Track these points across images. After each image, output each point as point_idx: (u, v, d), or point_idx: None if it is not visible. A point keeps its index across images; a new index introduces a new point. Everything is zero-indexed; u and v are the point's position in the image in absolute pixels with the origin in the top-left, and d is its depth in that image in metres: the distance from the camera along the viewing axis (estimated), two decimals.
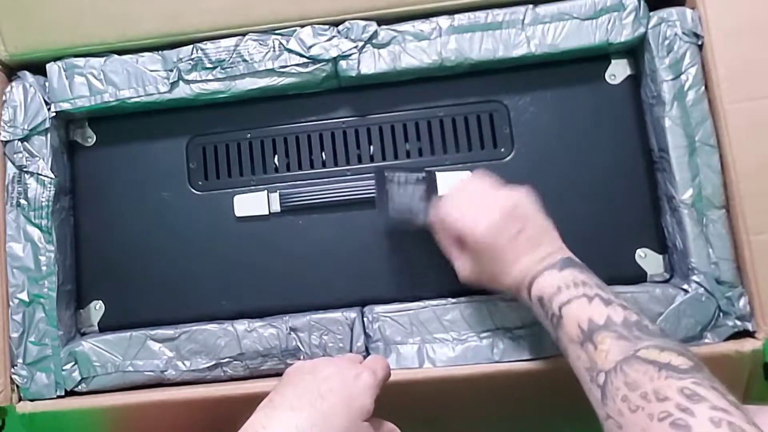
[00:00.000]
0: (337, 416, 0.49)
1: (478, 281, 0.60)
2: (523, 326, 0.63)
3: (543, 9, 0.65)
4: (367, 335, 0.65)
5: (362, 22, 0.66)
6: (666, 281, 0.65)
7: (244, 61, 0.67)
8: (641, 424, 0.42)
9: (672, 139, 0.63)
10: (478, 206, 0.58)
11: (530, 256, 0.56)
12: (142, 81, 0.68)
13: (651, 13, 0.65)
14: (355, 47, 0.65)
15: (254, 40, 0.67)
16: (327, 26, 0.66)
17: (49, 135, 0.68)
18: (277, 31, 0.67)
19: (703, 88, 0.63)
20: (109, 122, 0.71)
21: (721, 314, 0.61)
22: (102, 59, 0.68)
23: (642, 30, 0.64)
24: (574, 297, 0.52)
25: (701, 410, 0.40)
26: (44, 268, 0.67)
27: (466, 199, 0.59)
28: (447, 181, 0.66)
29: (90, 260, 0.71)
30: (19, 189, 0.67)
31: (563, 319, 0.51)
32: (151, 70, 0.68)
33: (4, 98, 0.68)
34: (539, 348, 0.61)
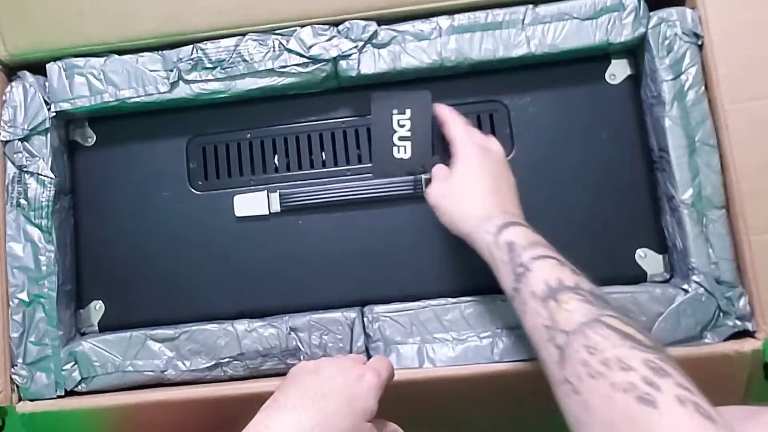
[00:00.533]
0: (339, 417, 0.49)
1: (443, 199, 0.60)
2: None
3: (543, 9, 0.65)
4: (367, 335, 0.65)
5: (362, 22, 0.66)
6: (666, 281, 0.65)
7: (244, 61, 0.67)
8: (602, 392, 0.41)
9: (672, 139, 0.63)
10: (477, 138, 0.62)
11: (505, 205, 0.57)
12: (142, 81, 0.68)
13: (651, 13, 0.65)
14: (355, 47, 0.65)
15: (254, 40, 0.67)
16: (327, 26, 0.66)
17: (49, 135, 0.68)
18: (277, 31, 0.67)
19: (703, 88, 0.63)
20: (109, 122, 0.71)
21: (721, 314, 0.61)
22: (102, 59, 0.68)
23: (642, 30, 0.64)
24: (547, 256, 0.51)
25: (667, 386, 0.39)
26: (44, 268, 0.67)
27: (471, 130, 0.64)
28: None
29: (90, 260, 0.71)
30: (19, 189, 0.67)
31: (531, 272, 0.50)
32: (151, 70, 0.68)
33: (4, 98, 0.68)
34: None
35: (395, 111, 0.67)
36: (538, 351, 0.48)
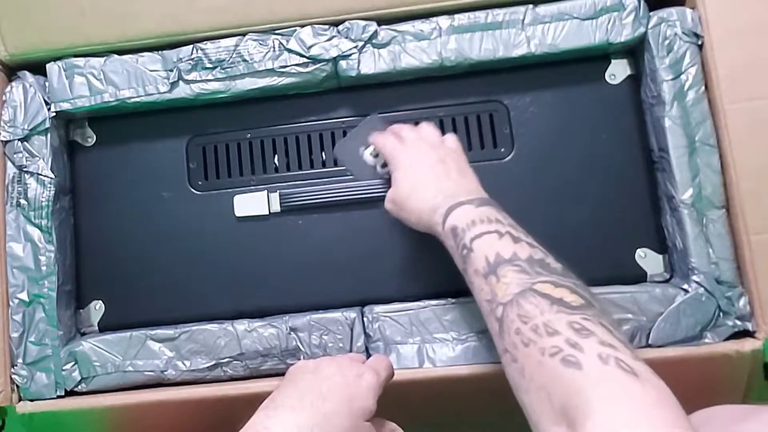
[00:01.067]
0: (338, 416, 0.49)
1: (399, 208, 0.61)
2: None
3: (543, 9, 0.65)
4: (367, 335, 0.65)
5: (362, 22, 0.66)
6: (666, 281, 0.65)
7: (244, 61, 0.67)
8: (534, 358, 0.42)
9: (672, 139, 0.63)
10: (409, 139, 0.63)
11: (447, 189, 0.57)
12: (142, 81, 0.68)
13: (651, 13, 0.65)
14: (355, 47, 0.65)
15: (254, 40, 0.67)
16: (327, 26, 0.66)
17: (49, 135, 0.68)
18: (277, 31, 0.67)
19: (703, 88, 0.63)
20: (109, 122, 0.71)
21: (721, 314, 0.61)
22: (102, 59, 0.68)
23: (642, 30, 0.64)
24: (486, 232, 0.52)
25: (590, 345, 0.40)
26: (44, 268, 0.67)
27: (404, 136, 0.64)
28: None
29: (90, 260, 0.71)
30: (19, 189, 0.67)
31: (473, 252, 0.51)
32: (151, 70, 0.68)
33: (4, 98, 0.68)
34: None
35: (361, 148, 0.68)
36: (487, 325, 0.50)
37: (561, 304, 0.44)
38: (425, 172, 0.60)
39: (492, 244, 0.51)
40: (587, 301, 0.45)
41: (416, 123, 0.69)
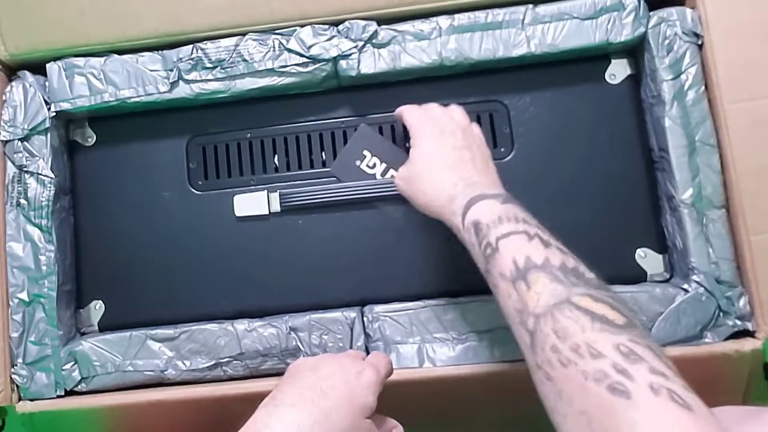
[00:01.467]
0: (339, 414, 0.49)
1: (409, 186, 0.59)
2: None
3: (543, 9, 0.65)
4: (367, 335, 0.65)
5: (362, 22, 0.66)
6: (666, 281, 0.65)
7: (244, 61, 0.67)
8: (574, 381, 0.39)
9: (672, 139, 0.63)
10: (435, 113, 0.61)
11: (470, 177, 0.55)
12: (142, 81, 0.68)
13: (651, 13, 0.65)
14: (355, 47, 0.65)
15: (254, 40, 0.67)
16: (327, 26, 0.66)
17: (49, 135, 0.68)
18: (277, 31, 0.67)
19: (703, 87, 0.63)
20: (109, 122, 0.71)
21: (721, 314, 0.61)
22: (102, 59, 0.68)
23: (642, 30, 0.64)
24: (514, 231, 0.48)
25: (640, 373, 0.37)
26: (44, 267, 0.67)
27: (432, 112, 0.62)
28: None
29: (90, 260, 0.71)
30: (19, 189, 0.67)
31: (498, 252, 0.48)
32: (151, 70, 0.68)
33: (4, 98, 0.68)
34: None
35: (357, 161, 0.68)
36: (513, 333, 0.46)
37: (604, 322, 0.40)
38: (447, 153, 0.57)
39: (521, 247, 0.47)
40: (630, 320, 0.41)
41: None
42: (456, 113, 0.62)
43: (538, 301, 0.43)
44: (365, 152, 0.68)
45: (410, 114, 0.62)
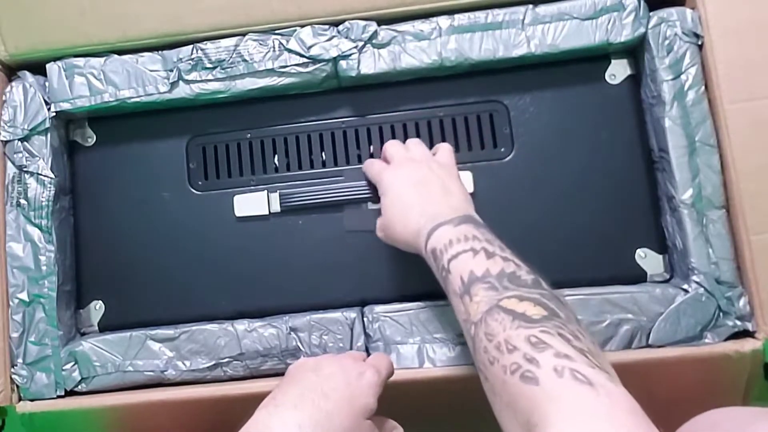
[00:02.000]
0: (339, 415, 0.49)
1: (387, 234, 0.61)
2: None
3: (543, 9, 0.65)
4: (367, 335, 0.65)
5: (362, 22, 0.66)
6: (666, 281, 0.65)
7: (244, 61, 0.67)
8: (499, 376, 0.42)
9: (672, 139, 0.63)
10: (394, 156, 0.63)
11: (431, 209, 0.57)
12: (142, 81, 0.68)
13: (651, 13, 0.65)
14: (355, 47, 0.65)
15: (254, 40, 0.67)
16: (327, 26, 0.66)
17: (49, 135, 0.68)
18: (277, 31, 0.67)
19: (703, 88, 0.63)
20: (109, 122, 0.71)
21: (721, 314, 0.61)
22: (102, 59, 0.68)
23: (642, 30, 0.64)
24: (462, 251, 0.51)
25: (545, 359, 0.40)
26: (44, 268, 0.67)
27: (386, 153, 0.65)
28: None
29: (90, 260, 0.71)
30: (19, 189, 0.67)
31: (450, 273, 0.51)
32: (151, 70, 0.68)
33: (4, 98, 0.68)
34: None
35: (363, 205, 0.69)
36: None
37: (522, 319, 0.44)
38: (408, 194, 0.59)
39: (466, 263, 0.50)
40: (551, 311, 0.45)
41: (417, 126, 0.69)
42: (413, 149, 0.64)
43: (477, 310, 0.47)
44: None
45: (370, 168, 0.65)
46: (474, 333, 0.47)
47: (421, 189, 0.59)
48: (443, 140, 0.68)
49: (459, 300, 0.50)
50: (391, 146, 0.65)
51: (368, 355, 0.64)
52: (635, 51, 0.67)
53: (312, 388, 0.51)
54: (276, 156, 0.70)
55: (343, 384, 0.51)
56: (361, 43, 0.66)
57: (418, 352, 0.63)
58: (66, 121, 0.72)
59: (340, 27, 0.66)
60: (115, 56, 0.68)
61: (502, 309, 0.45)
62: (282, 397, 0.51)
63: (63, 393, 0.66)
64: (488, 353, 0.44)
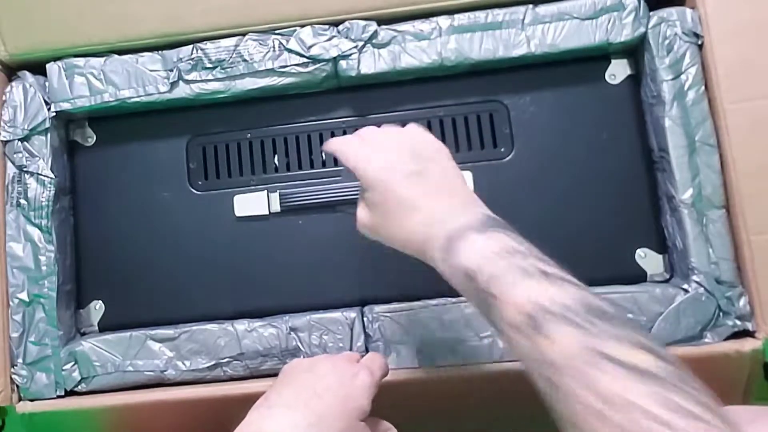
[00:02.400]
0: (333, 416, 0.49)
1: (376, 234, 0.53)
2: None
3: (543, 9, 0.65)
4: (367, 335, 0.65)
5: (362, 22, 0.66)
6: (666, 281, 0.65)
7: (244, 61, 0.67)
8: None
9: (672, 139, 0.63)
10: (376, 143, 0.53)
11: (438, 207, 0.49)
12: (142, 81, 0.68)
13: (651, 13, 0.65)
14: (355, 47, 0.65)
15: (254, 40, 0.67)
16: (327, 26, 0.66)
17: (49, 135, 0.68)
18: (277, 31, 0.67)
19: (703, 88, 0.63)
20: (109, 122, 0.71)
21: (721, 314, 0.61)
22: (102, 59, 0.68)
23: (642, 30, 0.64)
24: (508, 269, 0.42)
25: (681, 425, 0.33)
26: (44, 268, 0.67)
27: (369, 140, 0.54)
28: None
29: (90, 260, 0.71)
30: (19, 189, 0.67)
31: (497, 300, 0.42)
32: (151, 70, 0.68)
33: (4, 98, 0.68)
34: None
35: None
36: (533, 382, 0.41)
37: (650, 378, 0.35)
38: (402, 191, 0.50)
39: (523, 288, 0.41)
40: (666, 362, 0.37)
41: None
42: (393, 133, 0.55)
43: (559, 351, 0.38)
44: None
45: (345, 149, 0.54)
46: (558, 378, 0.38)
47: (417, 182, 0.50)
48: (443, 140, 0.68)
49: (518, 333, 0.40)
50: (367, 134, 0.55)
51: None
52: (635, 51, 0.67)
53: (306, 389, 0.50)
54: (276, 156, 0.70)
55: (337, 385, 0.51)
56: (361, 43, 0.66)
57: (418, 352, 0.63)
58: (66, 121, 0.72)
59: (340, 27, 0.66)
60: (115, 56, 0.68)
61: (610, 358, 0.36)
62: (276, 398, 0.51)
63: (63, 393, 0.66)
64: (605, 420, 0.35)
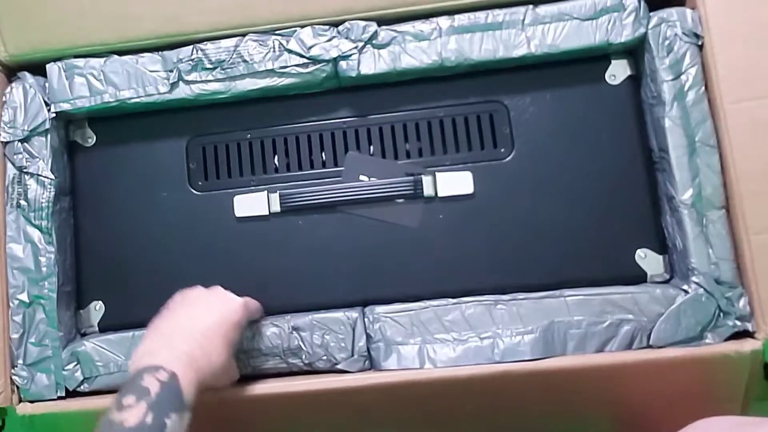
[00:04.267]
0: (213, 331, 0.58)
1: None
2: (524, 327, 0.63)
3: (543, 9, 0.65)
4: (368, 335, 0.65)
5: (362, 23, 0.66)
6: (666, 281, 0.65)
7: (244, 61, 0.67)
8: None
9: (672, 139, 0.63)
10: None
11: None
12: (142, 81, 0.67)
13: (651, 14, 0.65)
14: (355, 47, 0.65)
15: (254, 41, 0.67)
16: (327, 26, 0.66)
17: (49, 135, 0.68)
18: (277, 32, 0.67)
19: (703, 88, 0.63)
20: (109, 122, 0.71)
21: (721, 314, 0.61)
22: (102, 59, 0.68)
23: (642, 30, 0.64)
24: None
25: None
26: (44, 269, 0.67)
27: None
28: (447, 181, 0.67)
29: (90, 260, 0.71)
30: (20, 190, 0.67)
31: None
32: (151, 71, 0.68)
33: (4, 99, 0.68)
34: (539, 348, 0.61)
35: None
36: None
37: None
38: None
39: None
40: None
41: (417, 126, 0.69)
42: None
43: None
44: (361, 177, 0.68)
45: None
46: None
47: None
48: (443, 140, 0.68)
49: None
50: None
51: (369, 355, 0.65)
52: (635, 51, 0.67)
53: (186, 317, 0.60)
54: (276, 156, 0.70)
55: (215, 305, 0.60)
56: (361, 44, 0.66)
57: (419, 353, 0.63)
58: (66, 121, 0.72)
59: (340, 27, 0.66)
60: (115, 56, 0.68)
61: None
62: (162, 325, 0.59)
63: (63, 394, 0.66)
64: None
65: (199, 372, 0.54)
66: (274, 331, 0.65)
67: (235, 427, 0.49)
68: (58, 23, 0.68)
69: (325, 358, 0.65)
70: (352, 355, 0.65)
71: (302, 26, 0.66)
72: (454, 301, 0.65)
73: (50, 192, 0.67)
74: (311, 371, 0.66)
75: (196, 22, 0.67)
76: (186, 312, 0.60)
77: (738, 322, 0.61)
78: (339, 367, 0.65)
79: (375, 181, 0.68)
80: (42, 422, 0.65)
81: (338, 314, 0.65)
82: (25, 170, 0.67)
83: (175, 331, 0.57)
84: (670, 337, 0.61)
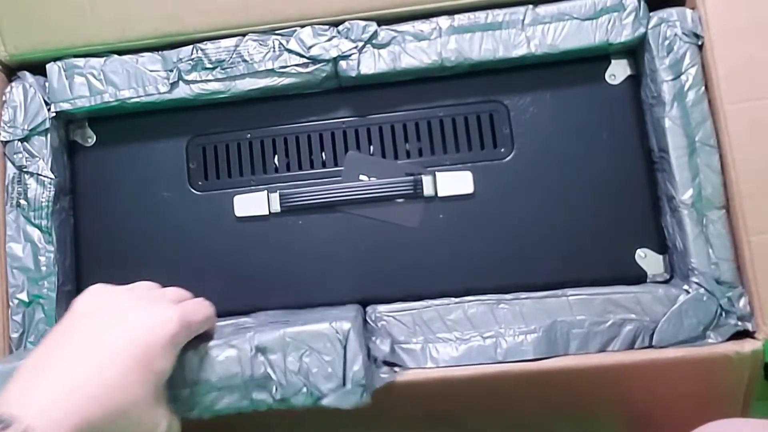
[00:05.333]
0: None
1: None
2: (526, 326, 0.62)
3: (543, 9, 0.65)
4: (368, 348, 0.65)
5: (362, 23, 0.66)
6: (666, 281, 0.65)
7: (244, 61, 0.67)
8: None
9: (672, 139, 0.63)
10: None
11: None
12: (142, 81, 0.67)
13: (651, 14, 0.65)
14: (355, 47, 0.65)
15: (254, 41, 0.67)
16: (327, 26, 0.66)
17: (49, 135, 0.68)
18: (277, 32, 0.67)
19: (703, 88, 0.63)
20: (109, 122, 0.71)
21: (723, 313, 0.61)
22: (102, 59, 0.68)
23: (642, 30, 0.64)
24: None
25: None
26: (44, 268, 0.67)
27: None
28: (447, 181, 0.67)
29: (90, 260, 0.71)
30: (19, 189, 0.67)
31: None
32: (151, 71, 0.68)
33: (4, 99, 0.68)
34: (542, 348, 0.61)
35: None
36: None
37: None
38: None
39: None
40: None
41: (417, 126, 0.69)
42: None
43: None
44: (361, 177, 0.68)
45: None
46: None
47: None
48: (443, 140, 0.68)
49: None
50: None
51: (370, 355, 0.64)
52: (635, 51, 0.67)
53: (89, 339, 0.42)
54: (276, 156, 0.70)
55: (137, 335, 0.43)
56: (361, 44, 0.66)
57: (421, 352, 0.63)
58: (66, 121, 0.71)
59: (340, 27, 0.66)
60: (115, 56, 0.68)
61: None
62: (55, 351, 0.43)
63: None
64: None
65: (92, 424, 0.38)
66: (230, 354, 0.53)
67: (232, 427, 0.49)
68: (58, 23, 0.68)
69: (305, 390, 0.52)
70: (344, 385, 0.52)
71: (302, 26, 0.66)
72: (457, 300, 0.64)
73: (50, 191, 0.67)
74: (285, 409, 0.52)
75: (196, 22, 0.67)
76: (86, 327, 0.43)
77: (738, 322, 0.61)
78: (325, 402, 0.51)
79: (375, 180, 0.68)
80: None
81: (322, 326, 0.54)
82: (24, 170, 0.67)
83: (60, 360, 0.41)
84: (673, 336, 0.61)
